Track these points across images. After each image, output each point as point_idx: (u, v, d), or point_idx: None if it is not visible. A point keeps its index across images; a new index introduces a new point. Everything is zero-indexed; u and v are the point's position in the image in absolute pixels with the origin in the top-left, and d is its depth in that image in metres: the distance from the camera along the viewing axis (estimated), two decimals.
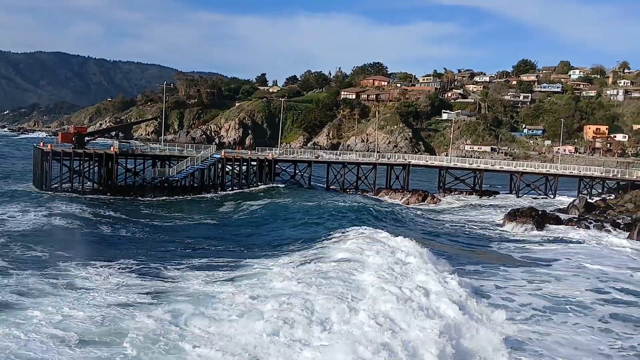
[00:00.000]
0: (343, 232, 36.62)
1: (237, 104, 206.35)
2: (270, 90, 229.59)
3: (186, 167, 64.29)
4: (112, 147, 64.21)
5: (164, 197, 59.74)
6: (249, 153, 77.16)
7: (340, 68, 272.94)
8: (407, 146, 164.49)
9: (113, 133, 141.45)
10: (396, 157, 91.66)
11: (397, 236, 32.60)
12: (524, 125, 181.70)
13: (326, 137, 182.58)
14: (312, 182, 75.12)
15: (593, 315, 22.92)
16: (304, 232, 39.52)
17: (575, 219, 52.29)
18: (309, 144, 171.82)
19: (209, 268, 27.20)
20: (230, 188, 67.32)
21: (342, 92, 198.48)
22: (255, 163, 71.07)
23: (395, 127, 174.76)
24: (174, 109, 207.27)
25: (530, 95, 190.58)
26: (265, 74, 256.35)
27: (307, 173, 75.28)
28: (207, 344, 16.32)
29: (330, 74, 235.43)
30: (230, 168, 70.21)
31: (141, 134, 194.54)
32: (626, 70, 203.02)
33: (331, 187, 76.16)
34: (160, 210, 51.48)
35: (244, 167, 70.75)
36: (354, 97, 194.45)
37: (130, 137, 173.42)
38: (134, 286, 22.86)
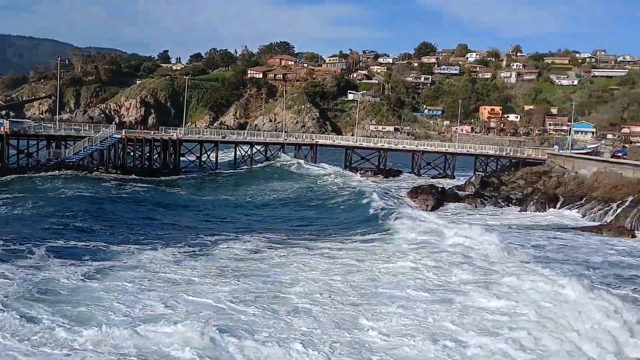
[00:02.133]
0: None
1: (138, 82, 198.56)
2: (174, 67, 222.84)
3: (84, 148, 61.24)
4: (2, 127, 60.06)
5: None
6: (152, 133, 74.75)
7: (246, 46, 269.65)
8: (314, 126, 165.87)
9: (3, 112, 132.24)
10: (304, 137, 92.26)
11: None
12: (424, 106, 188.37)
13: (233, 116, 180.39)
14: (218, 164, 74.19)
15: None
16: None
17: (471, 195, 55.14)
18: (215, 124, 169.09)
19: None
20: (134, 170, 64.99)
21: (249, 71, 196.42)
22: (159, 143, 69.02)
23: (303, 107, 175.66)
24: (70, 87, 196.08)
25: (430, 77, 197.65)
26: (167, 51, 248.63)
27: (213, 153, 74.21)
28: None
29: (237, 53, 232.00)
30: (133, 149, 67.79)
31: (34, 113, 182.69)
32: (519, 54, 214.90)
33: (238, 168, 75.55)
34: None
35: (146, 148, 68.52)
36: (261, 76, 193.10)
37: (22, 116, 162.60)
38: None
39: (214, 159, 74.18)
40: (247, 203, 48.19)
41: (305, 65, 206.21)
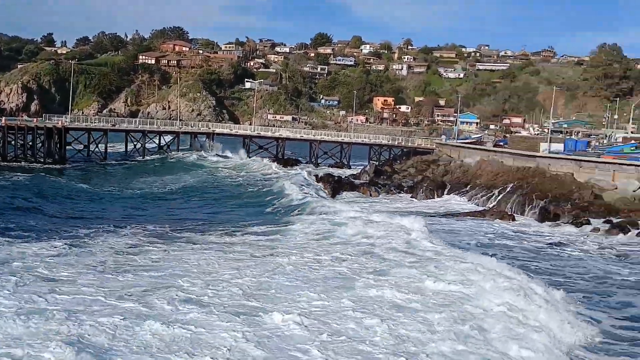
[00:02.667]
0: None
1: (19, 66, 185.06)
2: (59, 51, 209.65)
3: None
4: None
5: None
6: (35, 121, 70.37)
7: (137, 31, 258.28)
8: (210, 115, 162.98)
9: None
10: (200, 126, 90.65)
11: None
12: (321, 96, 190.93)
13: (123, 103, 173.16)
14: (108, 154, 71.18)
15: None
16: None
17: (366, 184, 56.82)
18: (104, 111, 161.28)
19: None
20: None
21: (140, 57, 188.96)
22: (42, 132, 65.00)
23: (198, 94, 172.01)
24: None
25: (327, 67, 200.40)
26: (52, 34, 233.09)
27: (102, 143, 71.07)
28: None
29: (127, 37, 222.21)
30: (14, 138, 63.42)
31: None
32: (409, 47, 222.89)
33: (130, 158, 72.83)
34: None
35: (29, 137, 64.36)
36: (153, 62, 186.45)
37: None
38: None
39: (104, 149, 71.11)
40: (137, 195, 46.33)
41: (201, 52, 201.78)
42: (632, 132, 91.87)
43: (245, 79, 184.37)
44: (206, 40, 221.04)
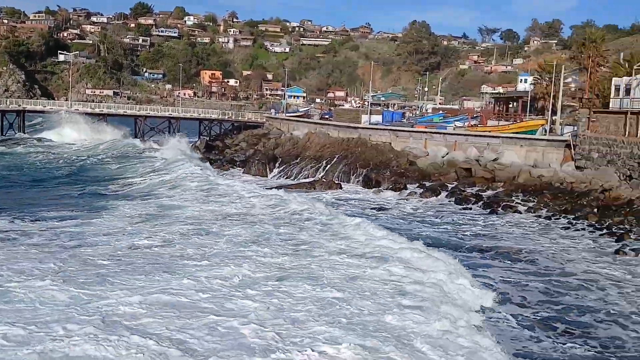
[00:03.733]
0: None
1: None
2: None
3: None
4: None
5: None
6: None
7: None
8: (20, 90, 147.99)
9: None
10: (8, 103, 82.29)
11: None
12: (144, 69, 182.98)
13: None
14: None
15: None
16: None
17: (200, 159, 56.19)
18: None
19: None
20: None
21: None
22: None
23: (5, 68, 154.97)
24: None
25: (149, 39, 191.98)
26: None
27: None
28: None
29: None
30: None
31: None
32: (235, 20, 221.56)
33: None
34: None
35: None
36: None
37: None
38: None
39: None
40: None
41: (5, 21, 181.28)
42: (440, 103, 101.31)
43: (59, 51, 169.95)
44: (11, 8, 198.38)
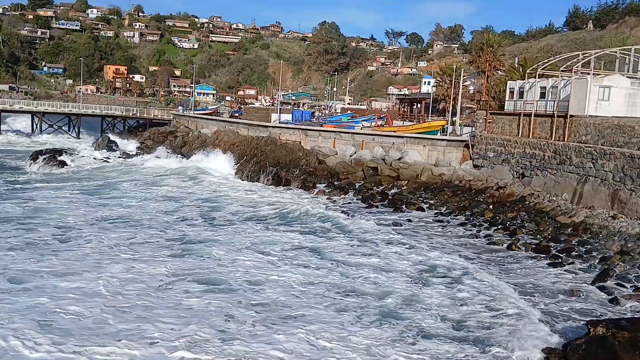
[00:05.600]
0: None
1: None
2: None
3: None
4: None
5: None
6: None
7: None
8: None
9: None
10: None
11: None
12: (44, 63, 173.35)
13: None
14: None
15: None
16: None
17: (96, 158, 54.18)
18: None
19: None
20: None
21: None
22: None
23: None
24: None
25: (48, 31, 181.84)
26: None
27: None
28: None
29: None
30: None
31: None
32: (141, 14, 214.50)
33: None
34: None
35: None
36: None
37: None
38: None
39: None
40: None
41: None
42: (348, 104, 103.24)
43: None
44: None
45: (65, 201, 32.40)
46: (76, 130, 77.82)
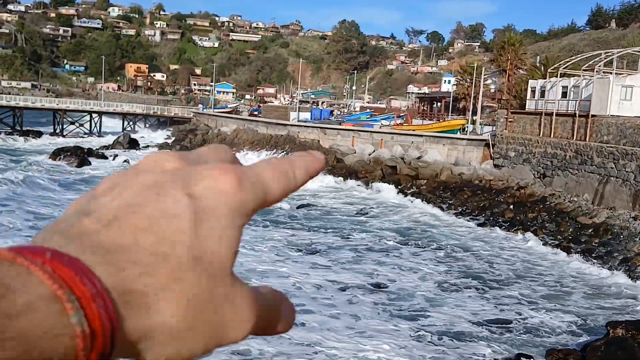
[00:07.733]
0: None
1: None
2: None
3: None
4: None
5: None
6: None
7: None
8: None
9: None
10: None
11: None
12: (65, 61, 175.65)
13: None
14: None
15: None
16: None
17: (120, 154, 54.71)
18: None
19: None
20: None
21: None
22: None
23: None
24: None
25: (70, 29, 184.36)
26: None
27: None
28: None
29: None
30: None
31: None
32: (162, 13, 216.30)
33: None
34: None
35: None
36: None
37: None
38: None
39: None
40: None
41: None
42: (367, 102, 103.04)
43: None
44: None
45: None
46: (98, 127, 78.68)
